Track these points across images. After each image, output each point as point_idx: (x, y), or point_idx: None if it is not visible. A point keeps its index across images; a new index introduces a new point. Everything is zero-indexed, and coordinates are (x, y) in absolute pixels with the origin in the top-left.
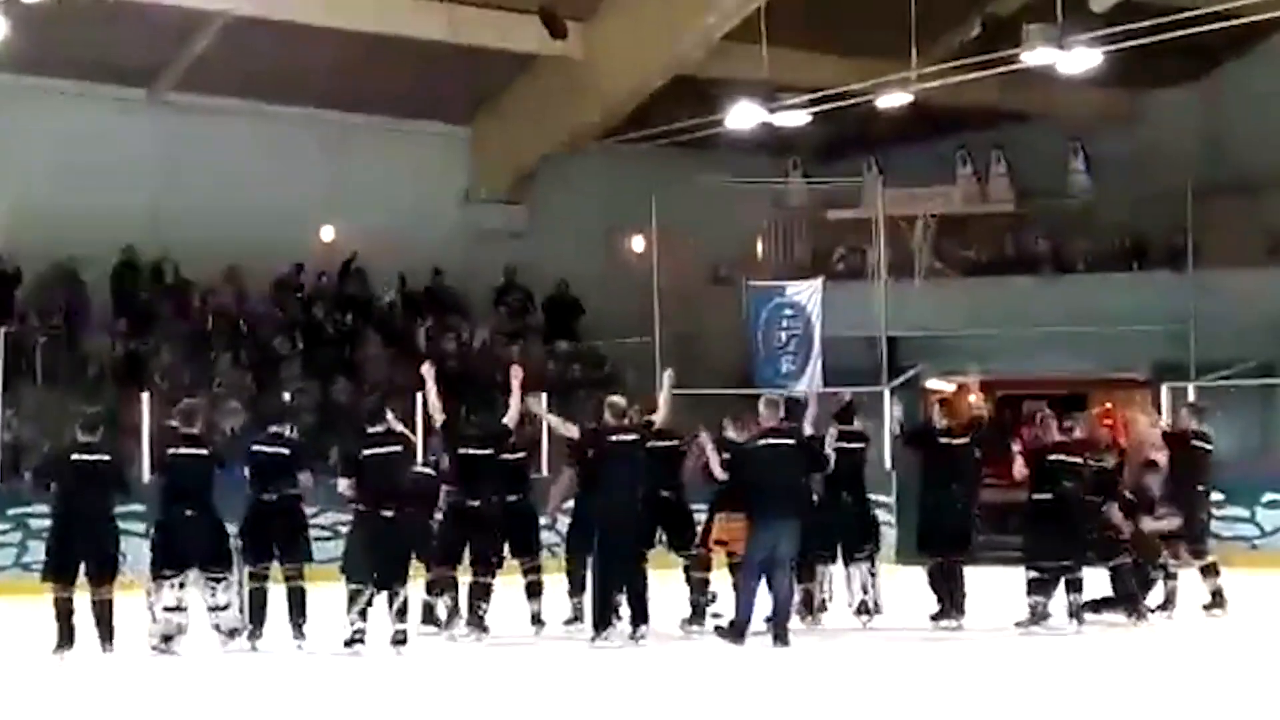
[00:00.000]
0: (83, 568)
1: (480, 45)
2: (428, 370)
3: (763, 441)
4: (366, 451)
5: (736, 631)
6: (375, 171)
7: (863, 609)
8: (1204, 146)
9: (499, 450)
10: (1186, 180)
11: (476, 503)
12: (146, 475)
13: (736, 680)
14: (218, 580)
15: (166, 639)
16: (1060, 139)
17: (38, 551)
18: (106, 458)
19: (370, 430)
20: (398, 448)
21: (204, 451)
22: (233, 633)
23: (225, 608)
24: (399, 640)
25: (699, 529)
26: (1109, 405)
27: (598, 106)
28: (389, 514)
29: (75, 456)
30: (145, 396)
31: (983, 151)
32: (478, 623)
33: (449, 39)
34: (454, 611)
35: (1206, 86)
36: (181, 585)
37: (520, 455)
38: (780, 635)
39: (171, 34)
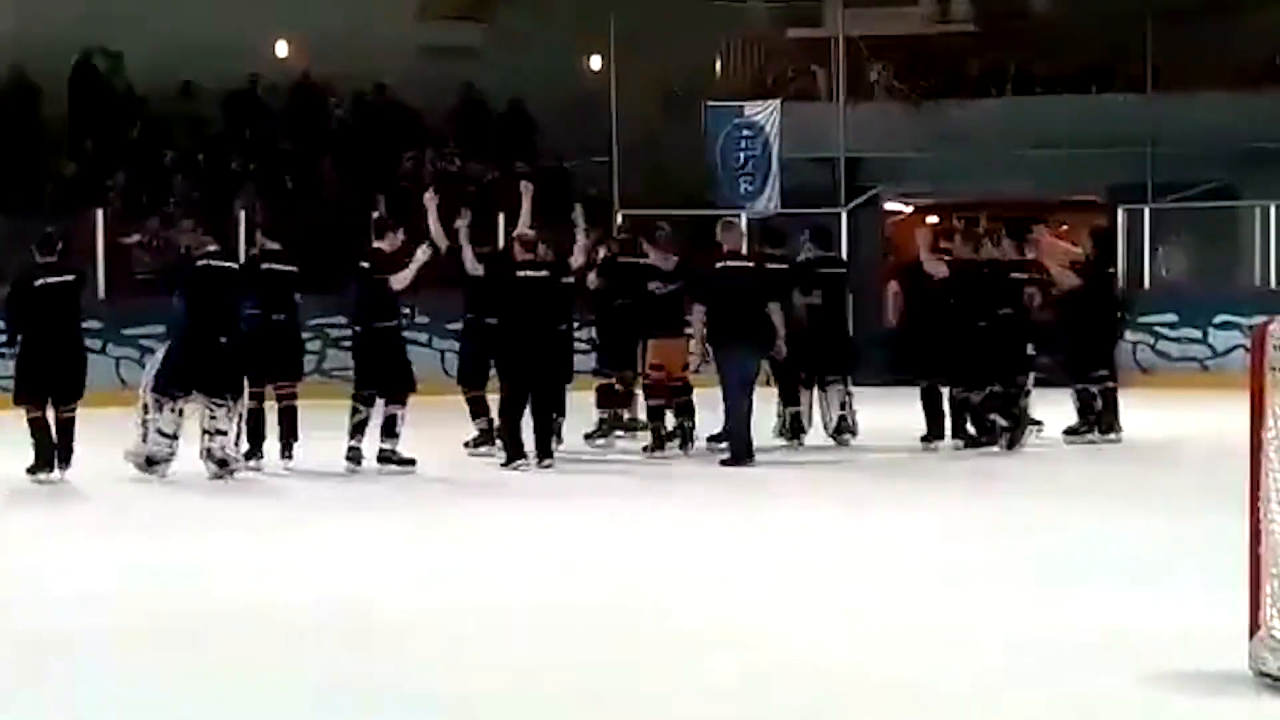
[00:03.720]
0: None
1: None
2: (430, 198)
3: (720, 265)
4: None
5: (741, 453)
6: None
7: (841, 428)
8: None
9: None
10: (1149, 1)
11: (494, 321)
12: (102, 293)
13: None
14: (220, 405)
15: (151, 462)
16: None
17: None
18: (70, 278)
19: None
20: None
21: (233, 265)
22: (223, 463)
23: (223, 433)
24: (384, 458)
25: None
26: (1065, 227)
27: None
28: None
29: (40, 281)
30: (100, 215)
31: None
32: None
33: None
34: (487, 432)
35: None
36: (182, 412)
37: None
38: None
39: None
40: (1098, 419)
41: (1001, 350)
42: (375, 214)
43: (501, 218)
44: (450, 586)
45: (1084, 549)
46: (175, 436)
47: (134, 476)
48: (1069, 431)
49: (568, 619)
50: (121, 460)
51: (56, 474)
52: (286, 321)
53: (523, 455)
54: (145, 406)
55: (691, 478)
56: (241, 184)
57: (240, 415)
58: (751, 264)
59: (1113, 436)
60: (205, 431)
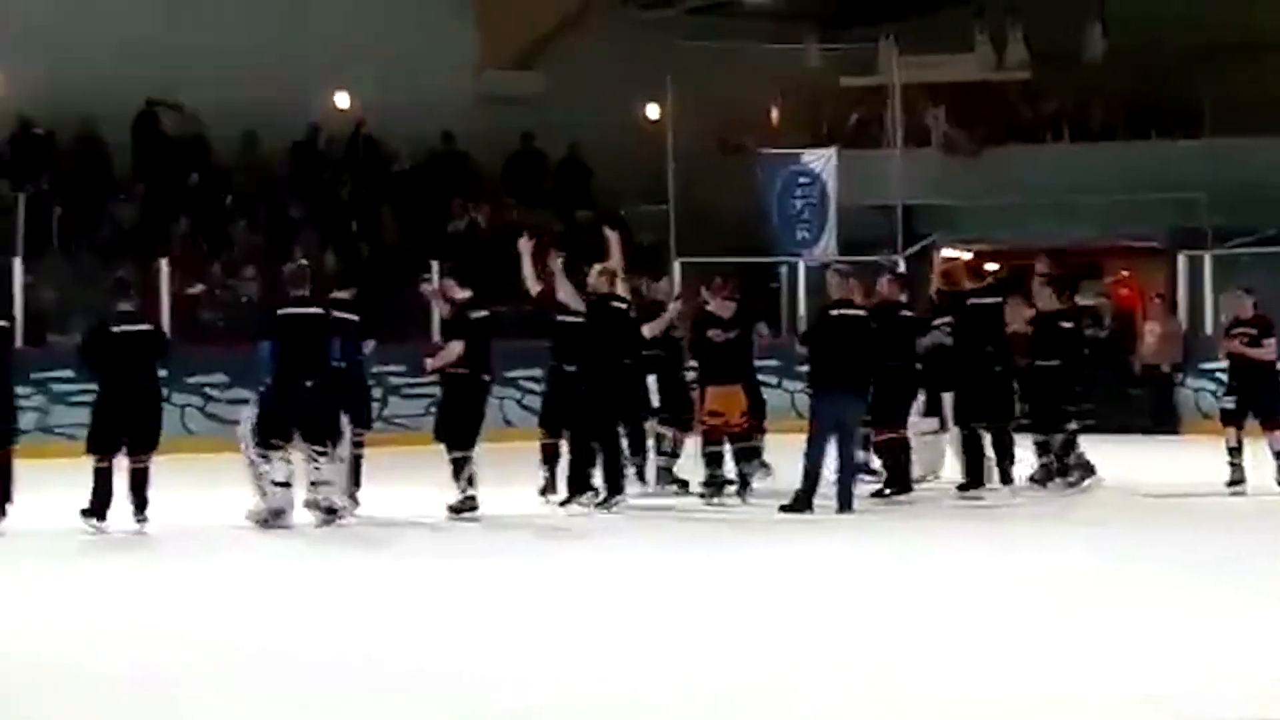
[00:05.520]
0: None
1: None
2: (525, 244)
3: (833, 312)
4: (478, 314)
5: (803, 501)
6: (389, 37)
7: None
8: (1222, 10)
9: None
10: (1204, 45)
11: (574, 369)
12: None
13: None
14: (323, 454)
15: (277, 514)
16: (1077, 5)
17: (61, 415)
18: (148, 326)
19: (467, 295)
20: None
21: (319, 311)
22: (331, 511)
23: (329, 483)
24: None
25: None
26: (1126, 273)
27: None
28: (488, 378)
29: (116, 329)
30: (164, 262)
31: (999, 18)
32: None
33: None
34: (552, 480)
35: None
36: (289, 459)
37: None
38: (843, 502)
39: None
40: (1060, 465)
41: (1041, 398)
42: (437, 265)
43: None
44: (507, 623)
45: (1129, 598)
46: (289, 484)
47: (215, 525)
48: (1033, 479)
49: (616, 652)
50: (246, 522)
51: (134, 525)
52: (350, 370)
53: (590, 489)
54: (253, 462)
55: (749, 524)
56: (302, 232)
57: (342, 460)
58: (863, 312)
59: (1071, 479)
60: (312, 483)
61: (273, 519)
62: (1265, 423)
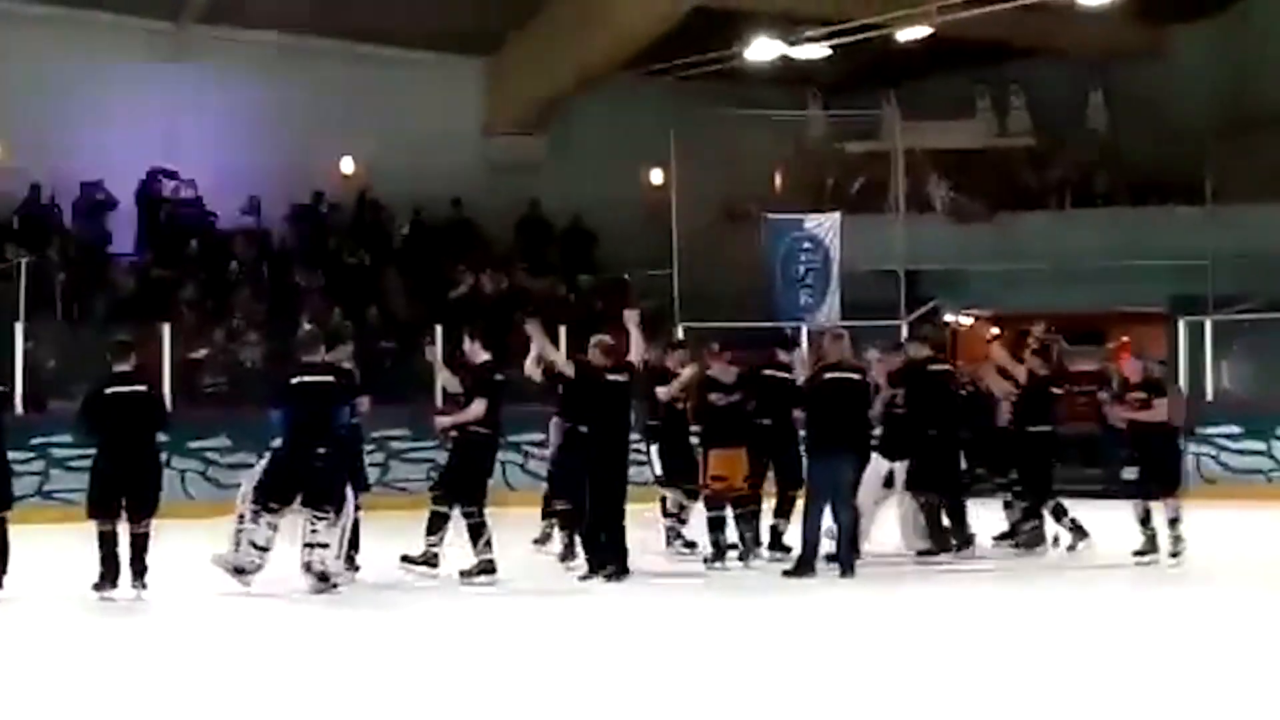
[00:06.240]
0: (124, 501)
1: None
2: (533, 326)
3: (827, 375)
4: (499, 376)
5: (805, 565)
6: (394, 104)
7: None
8: (1225, 81)
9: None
10: (1207, 115)
11: (585, 430)
12: (169, 406)
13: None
14: (322, 518)
15: (240, 572)
16: (1080, 74)
17: (60, 480)
18: (143, 388)
19: (488, 358)
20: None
21: (330, 379)
22: (324, 577)
23: (324, 546)
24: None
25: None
26: (1126, 339)
27: (616, 39)
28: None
29: (110, 390)
30: (166, 328)
31: (1002, 86)
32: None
33: None
34: (569, 546)
35: (1228, 21)
36: (276, 527)
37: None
38: (845, 566)
39: None
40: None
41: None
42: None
43: (564, 330)
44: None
45: (1133, 666)
46: (266, 549)
47: (217, 590)
48: (1016, 542)
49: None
50: (210, 564)
51: (133, 591)
52: (344, 432)
53: (609, 564)
54: (241, 516)
55: (751, 590)
56: (306, 297)
57: (343, 528)
58: (857, 375)
59: (1070, 544)
60: (306, 545)
61: (235, 575)
62: (1162, 490)
